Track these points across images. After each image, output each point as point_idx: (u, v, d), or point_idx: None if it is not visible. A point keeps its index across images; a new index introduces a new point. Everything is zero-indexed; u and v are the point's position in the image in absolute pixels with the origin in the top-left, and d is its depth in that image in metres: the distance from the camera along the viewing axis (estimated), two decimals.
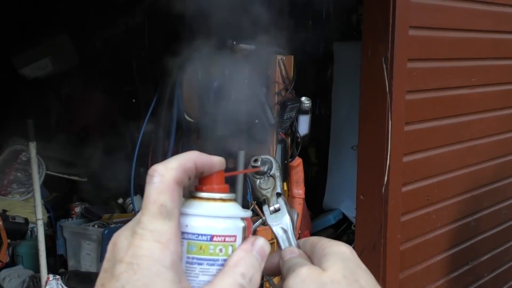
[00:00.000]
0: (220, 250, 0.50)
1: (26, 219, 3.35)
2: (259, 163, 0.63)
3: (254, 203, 2.60)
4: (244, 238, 0.51)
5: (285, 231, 0.60)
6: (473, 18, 2.64)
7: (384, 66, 2.21)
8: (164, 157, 2.91)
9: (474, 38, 2.68)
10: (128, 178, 3.17)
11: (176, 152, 3.02)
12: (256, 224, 2.55)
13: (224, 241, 0.50)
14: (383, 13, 2.20)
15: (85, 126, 4.16)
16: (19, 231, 3.30)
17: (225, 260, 0.49)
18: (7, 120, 3.67)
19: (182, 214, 0.49)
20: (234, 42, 2.61)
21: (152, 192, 0.47)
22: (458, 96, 2.64)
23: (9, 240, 3.16)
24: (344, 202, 3.84)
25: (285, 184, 2.68)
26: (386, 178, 2.27)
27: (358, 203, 2.41)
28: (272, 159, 0.64)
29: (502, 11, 2.82)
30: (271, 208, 0.62)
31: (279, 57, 2.58)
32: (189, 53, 2.91)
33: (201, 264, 0.49)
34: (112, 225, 3.19)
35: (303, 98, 2.63)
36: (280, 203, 0.62)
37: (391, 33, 2.18)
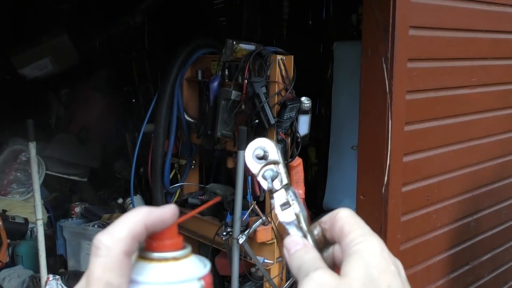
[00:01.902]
0: None
1: (26, 219, 3.35)
2: (261, 153, 0.56)
3: (254, 203, 2.60)
4: None
5: (300, 228, 0.55)
6: (473, 18, 2.63)
7: (384, 66, 2.20)
8: (163, 157, 2.91)
9: (474, 38, 2.68)
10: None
11: (176, 151, 3.02)
12: (256, 224, 2.55)
13: None
14: (383, 13, 2.20)
15: (85, 126, 4.16)
16: (19, 231, 3.30)
17: None
18: (7, 120, 3.67)
19: (132, 281, 0.45)
20: (234, 42, 2.61)
21: (97, 268, 0.43)
22: (458, 96, 2.64)
23: (9, 240, 3.16)
24: (344, 202, 3.83)
25: None
26: (386, 178, 2.27)
27: (358, 203, 2.41)
28: (269, 142, 0.57)
29: (502, 11, 2.82)
30: (280, 203, 0.56)
31: (279, 57, 2.58)
32: (189, 52, 2.91)
33: None
34: None
35: (303, 98, 2.63)
36: (290, 196, 0.56)
37: (391, 33, 2.18)
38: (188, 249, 0.48)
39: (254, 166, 0.56)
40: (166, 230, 0.47)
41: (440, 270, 2.71)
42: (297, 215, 0.55)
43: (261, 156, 0.56)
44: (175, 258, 0.47)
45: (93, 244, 0.44)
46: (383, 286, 0.48)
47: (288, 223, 0.55)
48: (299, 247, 0.53)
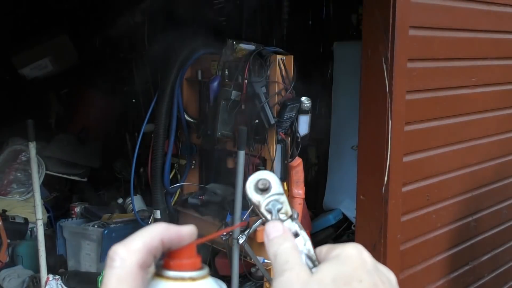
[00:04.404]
0: None
1: (26, 219, 3.35)
2: (265, 184, 0.55)
3: None
4: None
5: (309, 257, 0.54)
6: (473, 18, 2.63)
7: (384, 66, 2.20)
8: (163, 157, 2.90)
9: (474, 38, 2.68)
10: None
11: (176, 151, 3.02)
12: (256, 224, 2.55)
13: None
14: (383, 13, 2.20)
15: (85, 126, 4.16)
16: (19, 231, 3.30)
17: None
18: (7, 120, 3.67)
19: None
20: (234, 42, 2.61)
21: (112, 279, 0.43)
22: (458, 96, 2.64)
23: (9, 240, 3.16)
24: (344, 202, 3.84)
25: (285, 184, 2.68)
26: (386, 178, 2.27)
27: (358, 203, 2.41)
28: (270, 174, 0.56)
29: (502, 11, 2.82)
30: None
31: (279, 57, 2.58)
32: (189, 53, 2.91)
33: None
34: (112, 225, 3.19)
35: (303, 98, 2.63)
36: (297, 226, 0.55)
37: (391, 33, 2.18)
38: (206, 271, 0.48)
39: (257, 198, 0.56)
40: (185, 249, 0.47)
41: (440, 270, 2.71)
42: (306, 245, 0.55)
43: (262, 188, 0.56)
44: (192, 279, 0.46)
45: (108, 255, 0.44)
46: (354, 281, 0.47)
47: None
48: (279, 234, 0.52)
